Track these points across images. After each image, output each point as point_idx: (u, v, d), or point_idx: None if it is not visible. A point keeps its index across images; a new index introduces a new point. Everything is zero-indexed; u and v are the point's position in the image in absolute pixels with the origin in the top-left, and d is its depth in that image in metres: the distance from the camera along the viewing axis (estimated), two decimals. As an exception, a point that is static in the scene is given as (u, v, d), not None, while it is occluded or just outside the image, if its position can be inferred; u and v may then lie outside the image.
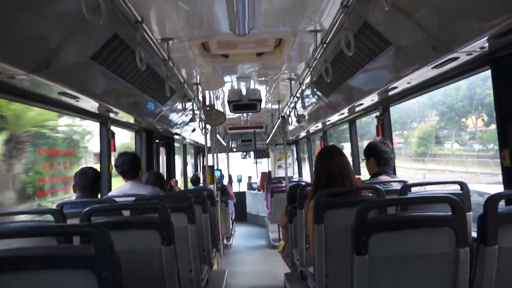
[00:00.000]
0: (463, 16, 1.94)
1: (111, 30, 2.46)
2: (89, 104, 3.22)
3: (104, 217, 2.33)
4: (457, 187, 2.65)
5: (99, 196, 3.41)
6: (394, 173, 3.48)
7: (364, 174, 3.93)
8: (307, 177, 9.89)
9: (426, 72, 2.68)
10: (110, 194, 3.60)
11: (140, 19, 2.26)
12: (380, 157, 3.23)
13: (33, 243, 1.91)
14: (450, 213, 1.64)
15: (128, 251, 1.90)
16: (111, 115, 3.83)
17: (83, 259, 1.23)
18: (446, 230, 1.63)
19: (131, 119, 4.39)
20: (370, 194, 2.66)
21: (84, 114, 3.53)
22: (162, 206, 2.02)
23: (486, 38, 1.98)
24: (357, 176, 3.62)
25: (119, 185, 3.63)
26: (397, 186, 2.98)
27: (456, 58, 2.31)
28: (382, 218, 1.76)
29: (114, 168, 3.72)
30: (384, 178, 3.16)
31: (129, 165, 3.52)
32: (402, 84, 3.13)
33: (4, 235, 1.37)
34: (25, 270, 1.23)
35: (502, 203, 1.65)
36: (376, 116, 4.17)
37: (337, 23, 2.49)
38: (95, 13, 1.73)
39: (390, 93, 3.49)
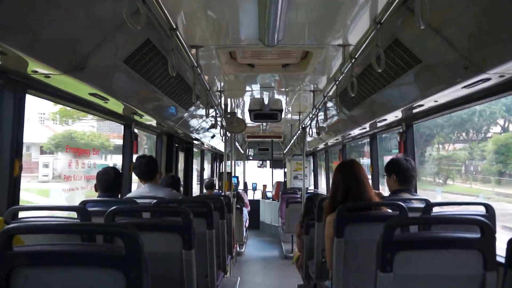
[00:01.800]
0: (497, 36, 1.92)
1: (145, 35, 2.52)
2: (116, 105, 3.29)
3: (126, 218, 2.37)
4: (482, 208, 2.60)
5: (119, 196, 3.46)
6: (415, 191, 3.43)
7: (384, 190, 3.89)
8: (322, 189, 9.83)
9: (454, 92, 2.65)
10: (129, 195, 3.65)
11: (174, 26, 2.31)
12: (402, 174, 3.20)
13: (57, 239, 1.96)
14: (479, 235, 1.62)
15: (150, 253, 1.92)
16: (136, 117, 3.90)
17: (114, 259, 1.25)
18: (474, 253, 1.60)
19: (153, 122, 4.45)
20: (390, 211, 2.63)
21: (110, 115, 3.61)
22: (186, 211, 2.04)
23: None
24: (377, 192, 3.59)
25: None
26: (419, 204, 2.94)
27: (487, 79, 2.28)
28: (409, 236, 1.74)
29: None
30: (405, 195, 3.13)
31: (146, 167, 3.56)
32: (428, 102, 3.10)
33: (42, 230, 1.40)
34: (57, 265, 1.26)
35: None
36: (399, 133, 4.13)
37: (368, 39, 2.49)
38: (133, 18, 1.78)
39: (415, 110, 3.46)
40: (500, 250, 1.71)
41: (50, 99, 2.76)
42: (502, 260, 1.64)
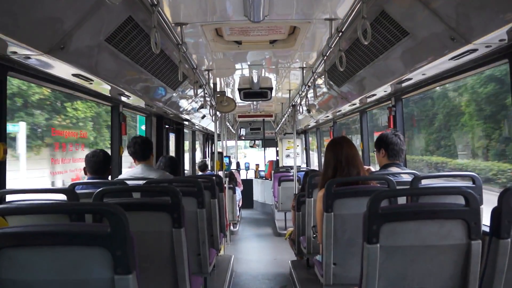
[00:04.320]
0: (482, 7, 1.90)
1: (126, 13, 2.46)
2: (102, 87, 3.23)
3: (116, 198, 2.36)
4: (469, 180, 2.63)
5: (109, 178, 3.44)
6: (405, 165, 3.46)
7: (374, 166, 3.92)
8: (315, 166, 9.89)
9: (442, 64, 2.64)
10: (120, 176, 3.65)
11: (156, 2, 2.25)
12: (390, 148, 3.21)
13: (46, 220, 1.95)
14: (464, 205, 1.64)
15: (139, 232, 1.92)
16: (123, 98, 3.85)
17: (99, 237, 1.25)
18: (459, 222, 1.62)
19: (142, 103, 4.40)
20: (379, 185, 2.66)
21: (96, 97, 3.56)
22: (174, 189, 2.03)
23: (506, 30, 1.94)
24: (366, 167, 3.61)
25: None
26: (407, 178, 2.97)
27: (474, 50, 2.27)
28: (394, 208, 1.76)
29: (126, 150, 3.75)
30: (394, 169, 3.15)
31: (142, 146, 3.55)
32: (416, 76, 3.09)
33: (25, 211, 1.39)
34: (42, 245, 1.25)
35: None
36: (388, 107, 4.13)
37: (354, 11, 2.46)
38: None
39: (404, 84, 3.45)
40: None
41: (32, 81, 2.71)
42: (487, 229, 1.67)
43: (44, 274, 1.27)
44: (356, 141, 6.60)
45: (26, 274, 1.27)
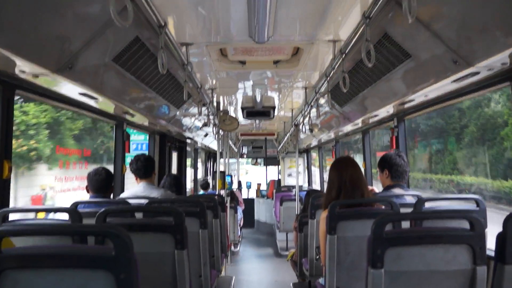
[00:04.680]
0: (485, 30, 1.93)
1: (134, 33, 2.50)
2: (107, 105, 3.26)
3: (118, 218, 2.35)
4: (473, 203, 2.61)
5: (111, 196, 3.43)
6: (408, 186, 3.44)
7: (377, 186, 3.90)
8: (317, 186, 9.84)
9: (444, 86, 2.66)
10: (122, 195, 3.63)
11: (163, 24, 2.29)
12: (394, 169, 3.20)
13: (48, 241, 1.94)
14: (469, 229, 1.62)
15: (141, 253, 1.91)
16: (127, 116, 3.87)
17: (102, 260, 1.24)
18: (464, 247, 1.61)
19: (146, 122, 4.43)
20: (383, 207, 2.64)
21: (101, 114, 3.58)
22: (177, 211, 2.03)
23: (508, 54, 1.97)
24: (370, 188, 3.59)
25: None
26: (411, 200, 2.95)
27: (476, 73, 2.29)
28: (399, 232, 1.74)
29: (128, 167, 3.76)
30: (397, 191, 3.13)
31: (144, 163, 3.55)
32: (419, 97, 3.11)
33: (29, 233, 1.39)
34: (45, 268, 1.24)
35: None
36: (391, 128, 4.14)
37: (358, 34, 2.49)
38: (121, 16, 1.76)
39: (406, 105, 3.47)
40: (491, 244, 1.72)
41: (39, 99, 2.73)
42: (492, 254, 1.65)
43: None
44: (359, 160, 6.56)
45: None
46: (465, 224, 1.65)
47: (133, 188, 3.65)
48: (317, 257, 3.22)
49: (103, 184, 3.22)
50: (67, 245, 1.52)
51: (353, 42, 2.62)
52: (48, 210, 2.58)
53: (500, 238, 1.57)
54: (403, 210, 2.65)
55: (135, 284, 1.25)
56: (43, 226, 1.51)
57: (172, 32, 2.78)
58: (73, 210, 2.19)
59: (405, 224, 2.53)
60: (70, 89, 2.57)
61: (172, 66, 3.28)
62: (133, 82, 3.02)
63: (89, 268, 1.24)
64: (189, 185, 8.67)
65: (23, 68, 2.09)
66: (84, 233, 1.59)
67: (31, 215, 2.58)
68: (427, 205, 2.69)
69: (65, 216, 2.31)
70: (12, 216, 2.26)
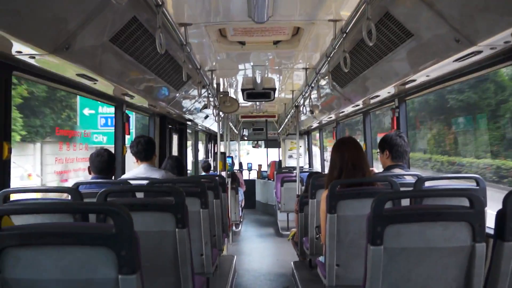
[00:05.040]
0: (487, 9, 1.90)
1: (131, 13, 2.47)
2: (106, 86, 3.24)
3: (119, 198, 2.37)
4: (473, 182, 2.62)
5: (113, 178, 3.45)
6: (408, 166, 3.45)
7: (377, 167, 3.91)
8: (317, 167, 9.88)
9: (446, 65, 2.64)
10: (123, 176, 3.65)
11: (160, 3, 2.25)
12: (394, 150, 3.21)
13: (50, 219, 1.95)
14: (468, 207, 1.63)
15: (143, 232, 1.93)
16: (127, 98, 3.86)
17: (104, 237, 1.25)
18: (463, 224, 1.62)
19: (145, 103, 4.41)
20: (382, 187, 2.65)
21: (100, 96, 3.57)
22: (177, 190, 2.04)
23: (510, 32, 1.94)
24: (370, 168, 3.60)
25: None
26: (411, 180, 2.96)
27: (479, 52, 2.27)
28: (399, 210, 1.75)
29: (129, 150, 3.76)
30: (397, 171, 3.14)
31: (144, 146, 3.56)
32: (420, 77, 3.08)
33: (30, 211, 1.40)
34: (46, 245, 1.25)
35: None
36: (392, 109, 4.13)
37: (358, 13, 2.45)
38: None
39: (408, 85, 3.45)
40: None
41: (37, 80, 2.72)
42: (491, 232, 1.66)
43: (49, 274, 1.28)
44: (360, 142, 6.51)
45: (31, 274, 1.27)
46: (465, 202, 1.66)
47: (134, 170, 3.67)
48: (317, 236, 3.26)
49: (105, 165, 3.24)
50: (68, 222, 1.54)
51: (354, 21, 2.59)
52: (50, 191, 2.60)
53: (500, 215, 1.58)
54: (403, 189, 2.67)
55: (136, 260, 1.27)
56: (44, 204, 1.52)
57: (170, 12, 2.74)
58: (74, 190, 2.20)
59: (405, 203, 2.54)
60: (68, 69, 2.56)
61: (170, 47, 3.25)
62: (131, 63, 3.00)
63: (90, 245, 1.26)
64: (190, 166, 8.71)
65: (19, 48, 2.08)
66: (84, 211, 1.61)
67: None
68: (427, 184, 2.70)
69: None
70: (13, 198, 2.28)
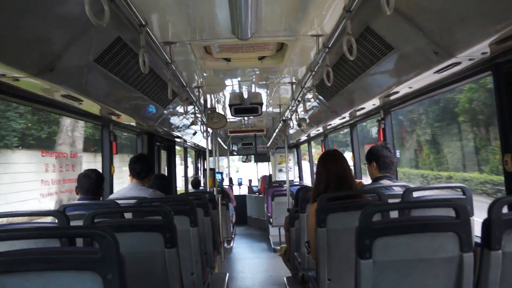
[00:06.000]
0: (464, 21, 1.95)
1: (115, 33, 2.47)
2: (92, 106, 3.23)
3: (107, 219, 2.34)
4: (459, 191, 2.65)
5: (101, 198, 3.41)
6: (396, 177, 3.48)
7: (366, 179, 3.94)
8: (307, 180, 9.89)
9: (428, 77, 2.69)
10: (111, 196, 3.61)
11: (144, 23, 2.27)
12: (381, 161, 3.24)
13: (36, 244, 1.91)
14: (454, 217, 1.65)
15: (131, 253, 1.90)
16: (113, 117, 3.84)
17: (89, 261, 1.23)
18: (450, 235, 1.63)
19: (132, 122, 4.40)
20: (370, 199, 2.67)
21: (87, 116, 3.55)
22: (165, 209, 2.02)
23: (487, 43, 1.99)
24: (358, 180, 3.62)
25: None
26: (399, 190, 2.98)
27: (458, 63, 2.32)
28: (386, 222, 1.76)
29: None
30: (385, 182, 3.17)
31: (139, 166, 3.64)
32: (403, 89, 3.14)
33: (12, 237, 1.37)
34: (31, 271, 1.23)
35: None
36: (377, 120, 4.18)
37: (339, 28, 2.50)
38: (99, 17, 1.74)
39: (392, 97, 3.50)
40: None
41: (21, 102, 2.70)
42: (479, 241, 1.68)
43: None
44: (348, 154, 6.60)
45: None
46: (452, 213, 1.67)
47: (122, 189, 3.64)
48: (308, 251, 3.24)
49: (93, 186, 3.20)
50: (53, 247, 1.51)
51: (335, 36, 2.63)
52: (35, 214, 2.55)
53: (486, 224, 1.60)
54: (391, 201, 2.68)
55: (123, 284, 1.25)
56: (29, 230, 1.49)
57: (155, 31, 2.76)
58: (59, 213, 2.17)
59: (394, 215, 2.56)
60: (53, 91, 2.54)
61: (156, 65, 3.26)
62: (117, 83, 3.00)
63: (76, 270, 1.24)
64: (180, 183, 8.64)
65: (3, 71, 2.06)
66: (69, 235, 1.58)
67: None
68: (416, 194, 2.72)
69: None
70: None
